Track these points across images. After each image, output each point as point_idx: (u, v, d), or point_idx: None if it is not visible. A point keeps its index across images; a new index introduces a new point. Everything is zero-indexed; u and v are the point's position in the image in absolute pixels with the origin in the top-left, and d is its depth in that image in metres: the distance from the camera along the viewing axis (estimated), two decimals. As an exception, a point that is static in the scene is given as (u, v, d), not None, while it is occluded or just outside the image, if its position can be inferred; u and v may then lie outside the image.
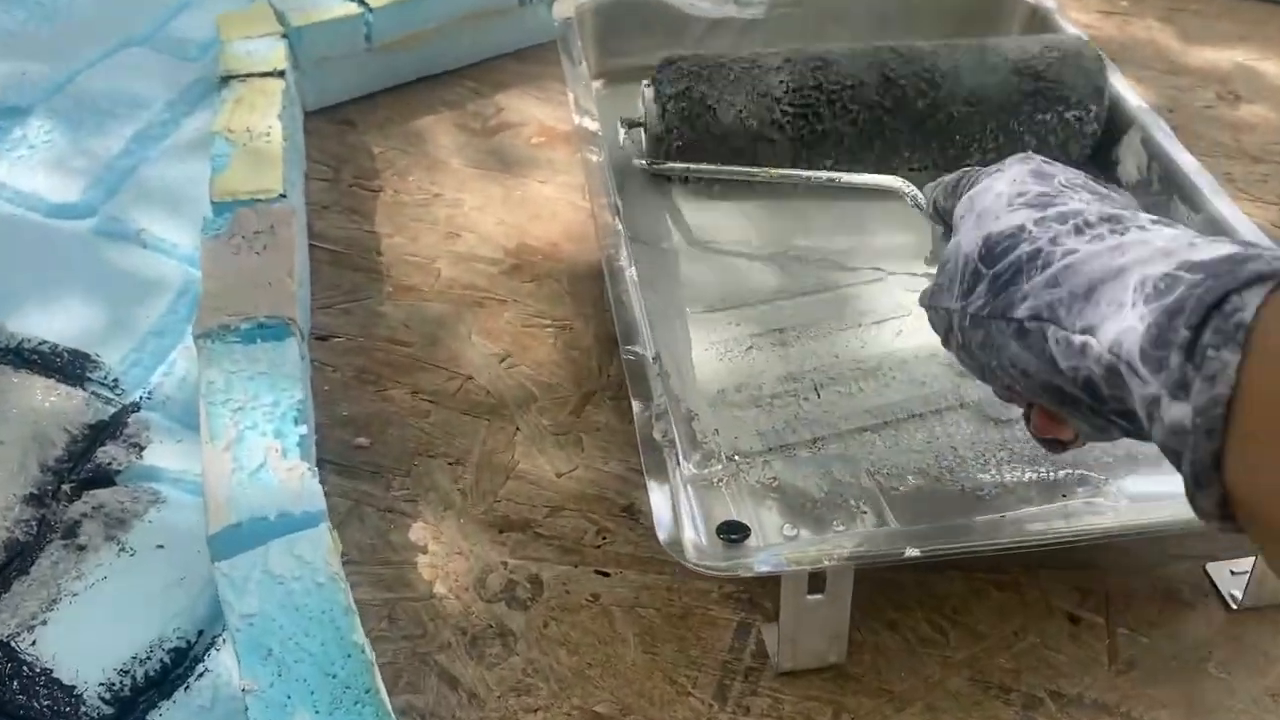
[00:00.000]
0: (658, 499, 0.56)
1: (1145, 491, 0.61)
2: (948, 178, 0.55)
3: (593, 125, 0.81)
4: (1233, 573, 0.64)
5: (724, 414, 0.67)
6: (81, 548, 0.60)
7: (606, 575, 0.65)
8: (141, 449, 0.66)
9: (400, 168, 0.93)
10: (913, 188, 0.70)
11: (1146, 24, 1.15)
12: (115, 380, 0.70)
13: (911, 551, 0.54)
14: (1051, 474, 0.63)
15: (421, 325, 0.79)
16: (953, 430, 0.66)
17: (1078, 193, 0.46)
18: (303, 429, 0.62)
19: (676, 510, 0.56)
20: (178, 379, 0.70)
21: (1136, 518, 0.58)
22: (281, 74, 0.86)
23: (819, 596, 0.57)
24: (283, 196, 0.76)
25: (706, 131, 0.81)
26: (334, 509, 0.65)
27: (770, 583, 0.61)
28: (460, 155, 0.95)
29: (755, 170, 0.80)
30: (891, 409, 0.67)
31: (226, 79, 0.86)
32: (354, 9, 0.94)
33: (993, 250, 0.45)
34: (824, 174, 0.78)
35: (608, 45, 0.96)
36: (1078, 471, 0.63)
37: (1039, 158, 0.50)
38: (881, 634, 0.62)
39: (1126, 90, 0.86)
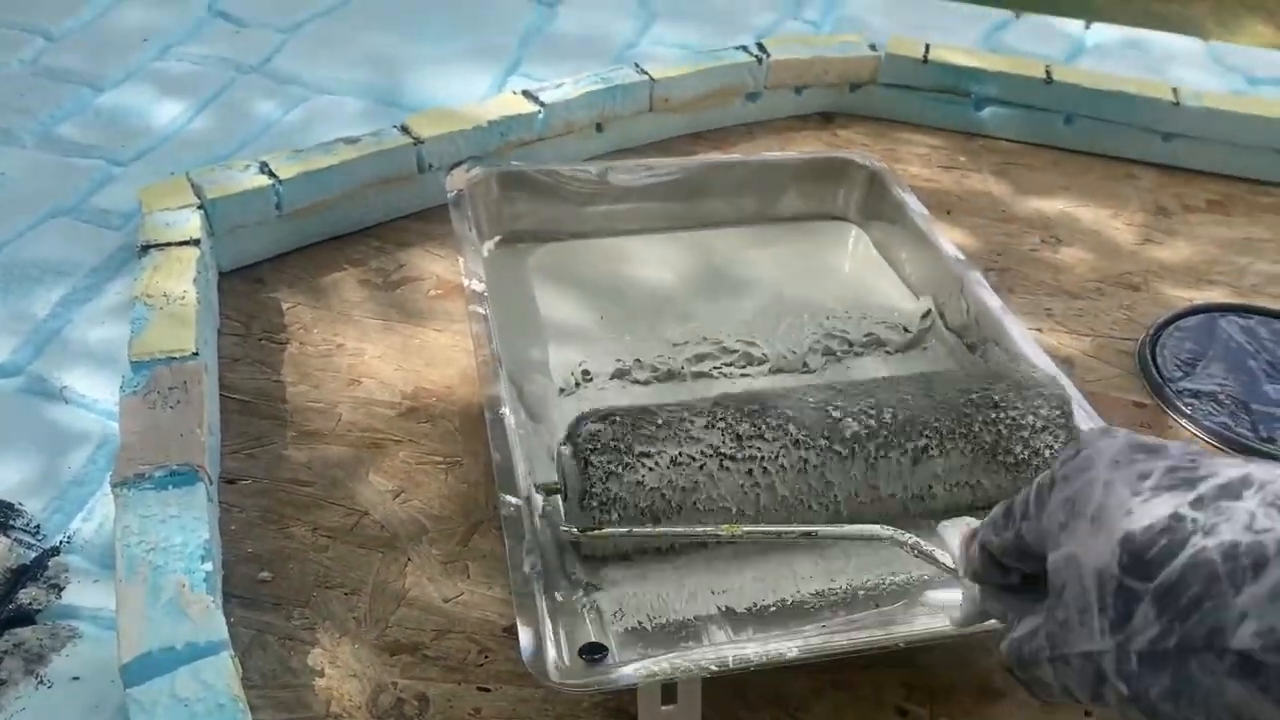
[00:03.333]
0: (525, 627, 0.64)
1: (947, 600, 0.71)
2: (993, 514, 0.47)
3: (479, 286, 0.91)
4: (1044, 667, 0.73)
5: (590, 548, 0.75)
6: (1, 682, 0.66)
7: (488, 690, 0.72)
8: (60, 589, 0.72)
9: (306, 321, 1.02)
10: (908, 535, 0.65)
11: (982, 178, 1.30)
12: (37, 527, 0.76)
13: (747, 659, 0.63)
14: (870, 585, 0.72)
15: (322, 467, 0.87)
16: (786, 554, 0.75)
17: (1210, 457, 0.37)
18: (208, 566, 0.69)
19: (541, 636, 0.64)
20: (96, 524, 0.77)
21: (937, 626, 0.68)
22: (197, 242, 0.95)
23: (672, 707, 0.65)
24: (195, 355, 0.84)
25: (638, 486, 0.71)
26: (238, 638, 0.72)
27: (633, 693, 0.69)
28: (363, 308, 1.04)
29: (717, 530, 0.70)
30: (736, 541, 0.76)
31: (146, 248, 0.94)
32: (264, 181, 1.04)
33: (1142, 556, 0.34)
34: (798, 528, 0.70)
35: (499, 210, 1.07)
36: (890, 582, 0.73)
37: (1122, 430, 0.40)
38: (732, 732, 0.70)
39: (951, 248, 0.99)
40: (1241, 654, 0.31)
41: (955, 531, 0.56)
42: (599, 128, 1.26)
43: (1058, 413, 0.77)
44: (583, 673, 0.63)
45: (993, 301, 0.93)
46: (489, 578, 0.79)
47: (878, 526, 0.67)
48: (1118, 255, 1.19)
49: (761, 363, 0.94)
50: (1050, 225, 1.23)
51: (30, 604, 0.71)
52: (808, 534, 0.69)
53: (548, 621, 0.65)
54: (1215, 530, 0.33)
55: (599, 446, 0.71)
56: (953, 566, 0.57)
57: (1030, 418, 0.76)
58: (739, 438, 0.72)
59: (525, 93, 1.21)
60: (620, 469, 0.71)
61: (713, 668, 0.63)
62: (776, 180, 1.13)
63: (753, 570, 0.73)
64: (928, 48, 1.36)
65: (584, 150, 1.26)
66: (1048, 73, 1.33)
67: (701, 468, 0.72)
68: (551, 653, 0.63)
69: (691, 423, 0.73)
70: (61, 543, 0.76)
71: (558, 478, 0.74)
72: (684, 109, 1.31)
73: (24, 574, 0.73)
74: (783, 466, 0.73)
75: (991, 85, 1.35)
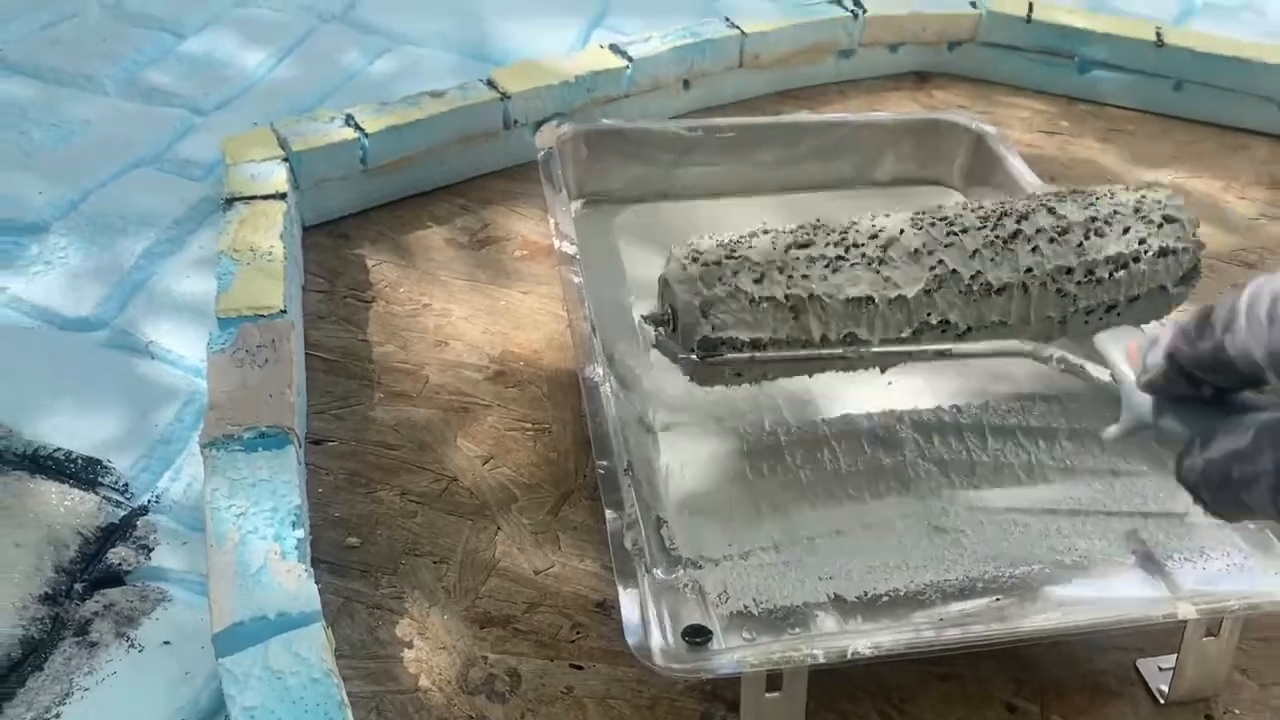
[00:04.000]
0: (628, 605, 0.62)
1: (1074, 595, 0.68)
2: (1182, 324, 0.45)
3: (570, 249, 0.87)
4: (1160, 668, 0.70)
5: (691, 523, 0.72)
6: (93, 644, 0.65)
7: (580, 669, 0.70)
8: (150, 550, 0.71)
9: (392, 279, 0.99)
10: (1051, 349, 0.62)
11: (1086, 144, 1.24)
12: (125, 485, 0.75)
13: (859, 652, 0.60)
14: (988, 577, 0.69)
15: (410, 430, 0.85)
16: (899, 538, 0.71)
17: None
18: (300, 532, 0.67)
19: (645, 615, 0.61)
20: (184, 484, 0.76)
21: (1061, 621, 0.64)
22: (283, 196, 0.93)
23: (776, 694, 0.62)
24: (283, 312, 0.82)
25: (750, 284, 0.69)
26: (326, 606, 0.70)
27: (733, 678, 0.66)
28: (449, 267, 1.01)
29: (847, 350, 0.69)
30: (842, 520, 0.73)
31: (231, 201, 0.92)
32: (350, 134, 1.01)
33: None
34: (931, 346, 0.67)
35: (588, 169, 1.04)
36: (1012, 574, 0.69)
37: None
38: (834, 724, 0.67)
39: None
40: None
41: (1116, 344, 0.54)
42: (686, 84, 1.22)
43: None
44: (687, 656, 0.60)
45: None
46: (581, 550, 0.77)
47: (1016, 342, 0.63)
48: (1231, 231, 1.13)
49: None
50: (1160, 196, 1.16)
51: (120, 564, 0.70)
52: (941, 352, 0.66)
53: (651, 603, 0.62)
54: None
55: (700, 256, 0.70)
56: (1107, 379, 0.56)
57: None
58: (845, 247, 0.72)
59: (613, 47, 1.17)
60: (726, 272, 0.69)
61: (822, 658, 0.60)
62: (876, 142, 1.08)
63: (864, 558, 0.69)
64: (1031, 5, 1.30)
65: (669, 108, 1.22)
66: (1158, 36, 1.26)
67: (808, 268, 0.70)
68: (656, 634, 0.60)
69: (793, 238, 0.72)
70: (150, 502, 0.74)
71: (663, 309, 0.73)
72: (774, 65, 1.26)
73: (113, 533, 0.72)
74: (896, 266, 0.70)
75: (1099, 47, 1.28)
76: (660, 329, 0.74)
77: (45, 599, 0.68)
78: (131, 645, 0.65)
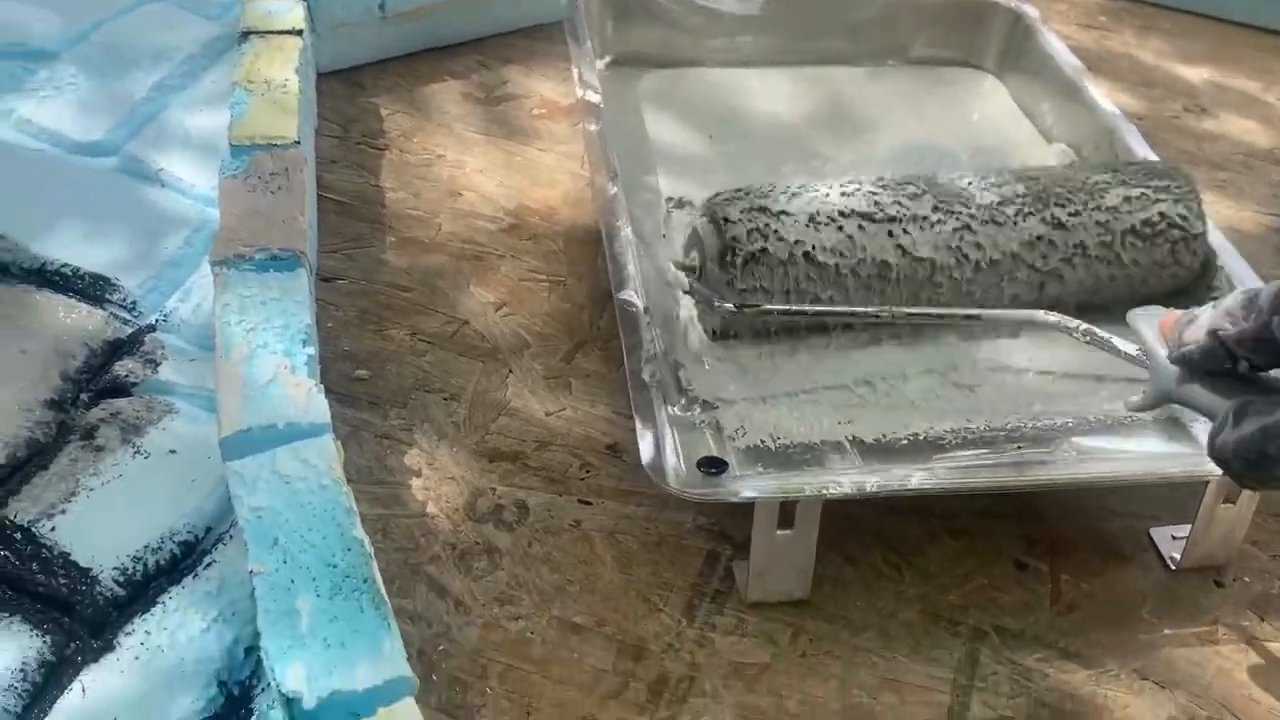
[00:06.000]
0: (644, 432, 0.61)
1: (1097, 448, 0.66)
2: (1226, 303, 0.49)
3: (595, 98, 0.85)
4: (1174, 537, 0.69)
5: (707, 366, 0.71)
6: (99, 448, 0.64)
7: (589, 504, 0.69)
8: (157, 365, 0.70)
9: (406, 129, 0.97)
10: (1076, 321, 0.64)
11: (1123, 39, 1.21)
12: (133, 303, 0.74)
13: (873, 485, 0.59)
14: (1009, 427, 0.68)
15: (422, 274, 0.84)
16: (917, 388, 0.70)
17: None
18: (310, 350, 0.66)
19: (660, 445, 0.60)
20: (192, 306, 0.74)
21: (1083, 472, 0.63)
22: (299, 33, 0.91)
23: (788, 532, 0.62)
24: (297, 144, 0.80)
25: (779, 241, 0.70)
26: (334, 433, 0.70)
27: (740, 518, 0.66)
28: (464, 121, 0.99)
29: (878, 311, 0.70)
30: (860, 371, 0.71)
31: (247, 34, 0.90)
32: (370, -22, 0.98)
33: None
34: (960, 310, 0.70)
35: (614, 31, 1.01)
36: (1035, 426, 0.68)
37: None
38: (841, 569, 0.66)
39: (1104, 100, 0.91)
40: None
41: (1148, 319, 0.59)
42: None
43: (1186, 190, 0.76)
44: (702, 483, 0.59)
45: (1146, 153, 0.85)
46: (593, 396, 0.76)
47: (1042, 312, 0.66)
48: (1267, 130, 1.10)
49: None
50: (1194, 94, 1.14)
51: (126, 377, 0.69)
52: (970, 316, 0.69)
53: (668, 430, 0.61)
54: None
55: (734, 203, 0.71)
56: (1133, 353, 0.60)
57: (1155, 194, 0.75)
58: (876, 204, 0.72)
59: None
60: (758, 226, 0.70)
61: (839, 489, 0.59)
62: (908, 19, 1.05)
63: (883, 405, 0.68)
64: (1075, -104, 1.26)
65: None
66: (1202, -68, 1.23)
67: (840, 228, 0.70)
68: (671, 459, 0.59)
69: (827, 191, 0.73)
70: (157, 321, 0.73)
71: (695, 256, 0.73)
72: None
73: (120, 348, 0.71)
74: (922, 227, 0.71)
75: (1141, -59, 1.24)
76: (691, 275, 0.73)
77: (51, 404, 0.67)
78: (138, 452, 0.64)
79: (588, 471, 0.71)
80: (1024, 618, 0.65)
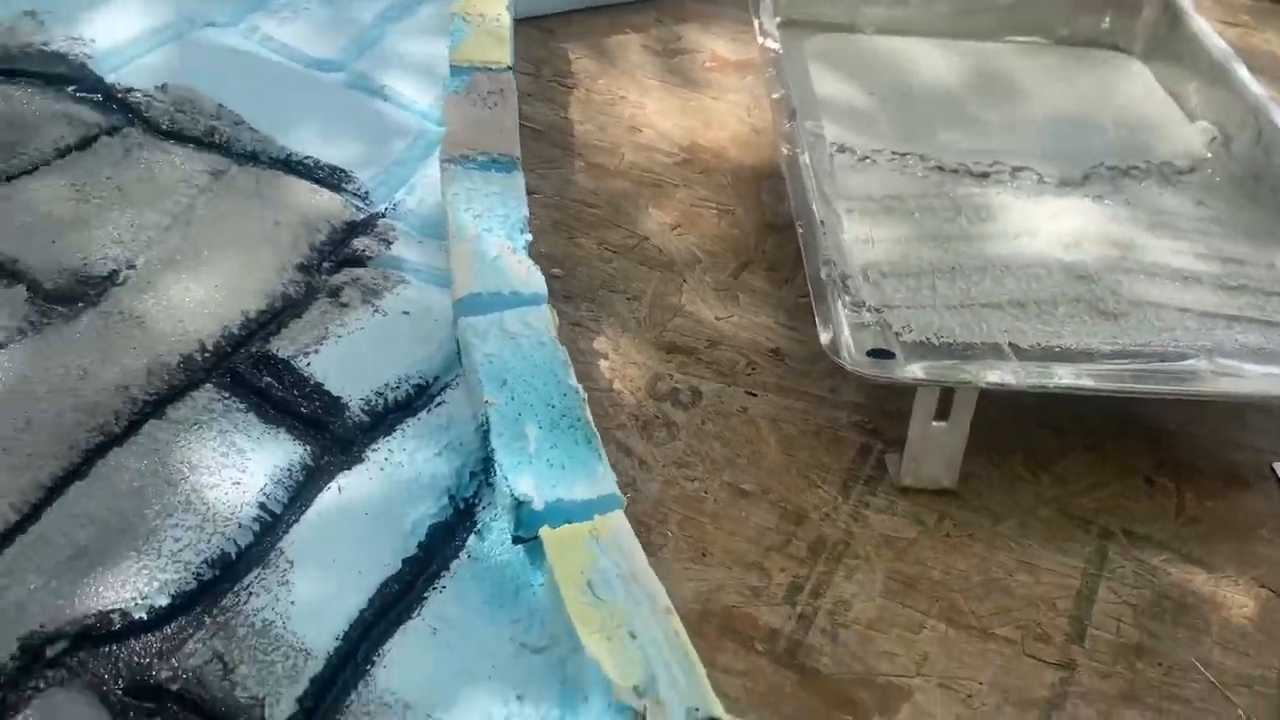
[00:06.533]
0: (821, 320, 0.69)
1: (1243, 369, 0.72)
2: None
3: (775, 46, 0.93)
4: (1294, 472, 0.75)
5: (877, 281, 0.78)
6: (344, 305, 0.74)
7: (754, 395, 0.78)
8: (389, 243, 0.80)
9: (591, 72, 1.07)
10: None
11: (1265, 38, 1.25)
12: (366, 193, 0.84)
13: (1028, 379, 0.66)
14: (1159, 344, 0.74)
15: (607, 195, 0.93)
16: (1067, 312, 0.77)
17: None
18: (527, 237, 0.76)
19: (837, 330, 0.68)
20: (417, 199, 0.84)
21: (1222, 387, 0.69)
22: (508, -25, 1.01)
23: (943, 424, 0.69)
24: (509, 68, 0.90)
25: None
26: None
27: (894, 415, 0.73)
28: (643, 69, 1.08)
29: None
30: (1017, 293, 0.78)
31: (462, -26, 1.00)
32: (567, -67, 1.08)
33: None
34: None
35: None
36: (1182, 346, 0.74)
37: None
38: (986, 468, 0.74)
39: (1251, 80, 0.96)
40: None
41: None
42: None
43: None
44: (871, 365, 0.67)
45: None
46: (758, 308, 0.84)
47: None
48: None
49: (1043, 181, 0.93)
50: (1337, 93, 1.18)
51: (363, 251, 0.79)
52: None
53: (844, 321, 0.69)
54: None
55: None
56: None
57: None
58: None
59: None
60: None
61: (1004, 379, 0.66)
62: (1059, 1, 1.11)
63: (1039, 320, 0.75)
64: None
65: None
66: (1357, -60, 1.26)
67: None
68: (844, 348, 0.67)
69: None
70: (386, 209, 0.83)
71: None
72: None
73: (357, 227, 0.81)
74: None
75: (1293, -54, 1.28)
76: None
77: (300, 268, 0.77)
78: (376, 311, 0.74)
79: (753, 369, 0.79)
80: (1150, 524, 0.71)
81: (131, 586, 0.57)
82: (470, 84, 0.88)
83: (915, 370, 0.66)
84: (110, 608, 0.56)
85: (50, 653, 0.55)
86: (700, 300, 0.84)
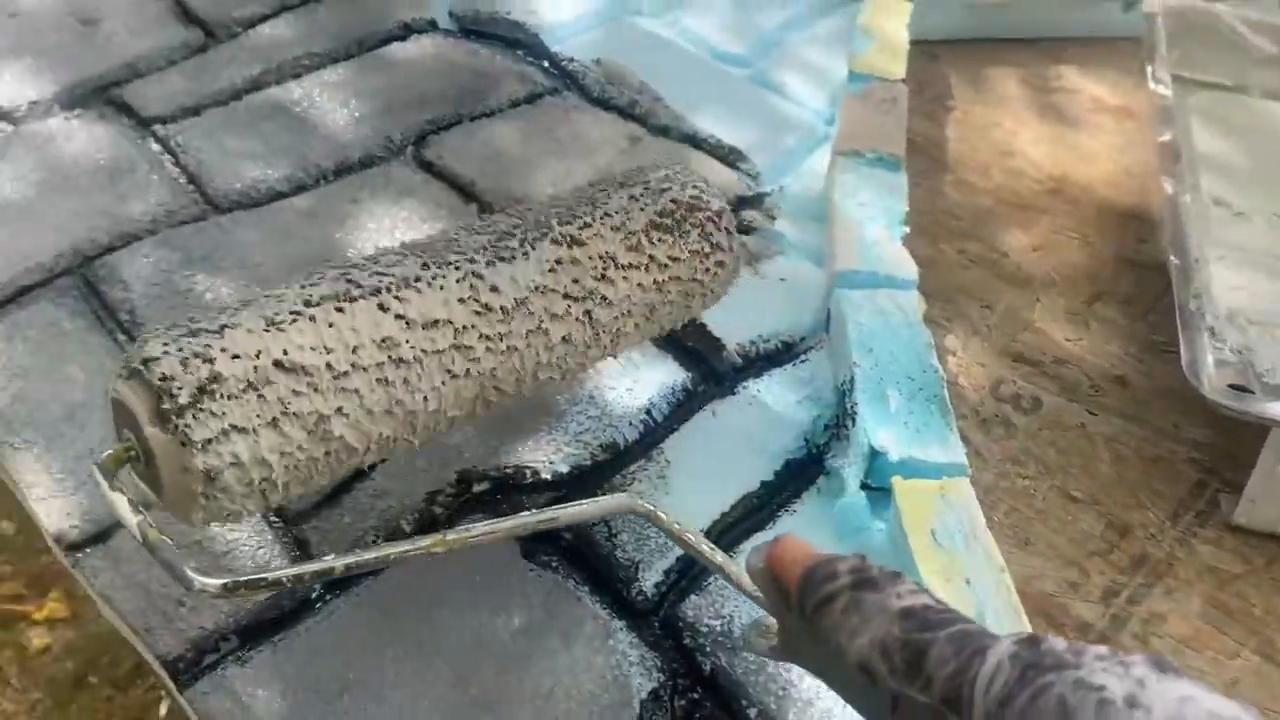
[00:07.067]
0: (1185, 343, 0.72)
1: None
2: (886, 639, 0.39)
3: (1165, 92, 0.96)
4: None
5: (1242, 326, 0.80)
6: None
7: (1094, 415, 0.81)
8: (774, 219, 0.90)
9: (969, 97, 1.12)
10: (669, 517, 0.56)
11: None
12: (758, 174, 0.94)
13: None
14: None
15: (972, 209, 0.99)
16: None
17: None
18: (905, 230, 0.83)
19: (1198, 356, 0.71)
20: (803, 185, 0.93)
21: None
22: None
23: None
24: (903, 81, 0.98)
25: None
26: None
27: (1236, 459, 0.75)
28: (1020, 101, 1.13)
29: (423, 546, 0.52)
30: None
31: (868, -7, 1.09)
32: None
33: None
34: (531, 519, 0.55)
35: (1170, 47, 1.10)
36: None
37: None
38: (1324, 527, 0.74)
39: None
40: None
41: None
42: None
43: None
44: (1229, 396, 0.69)
45: None
46: (1108, 336, 0.87)
47: (626, 495, 0.57)
48: None
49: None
50: None
51: (750, 222, 0.89)
52: (547, 520, 0.55)
53: (1207, 348, 0.72)
54: None
55: (152, 341, 0.50)
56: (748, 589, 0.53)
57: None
58: (349, 281, 0.55)
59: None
60: (196, 350, 0.50)
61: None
62: None
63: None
64: None
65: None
66: None
67: (311, 319, 0.53)
68: (1208, 370, 0.70)
69: (283, 291, 0.55)
70: (774, 190, 0.93)
71: (128, 436, 0.51)
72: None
73: (747, 201, 0.91)
74: (418, 289, 0.56)
75: None
76: (134, 465, 0.51)
77: (697, 227, 0.88)
78: (756, 273, 0.84)
79: (1096, 390, 0.83)
80: None
81: (543, 453, 0.69)
82: (867, 89, 0.96)
83: (1276, 410, 0.68)
84: (525, 464, 0.68)
85: (476, 489, 0.67)
86: (1051, 319, 0.89)
